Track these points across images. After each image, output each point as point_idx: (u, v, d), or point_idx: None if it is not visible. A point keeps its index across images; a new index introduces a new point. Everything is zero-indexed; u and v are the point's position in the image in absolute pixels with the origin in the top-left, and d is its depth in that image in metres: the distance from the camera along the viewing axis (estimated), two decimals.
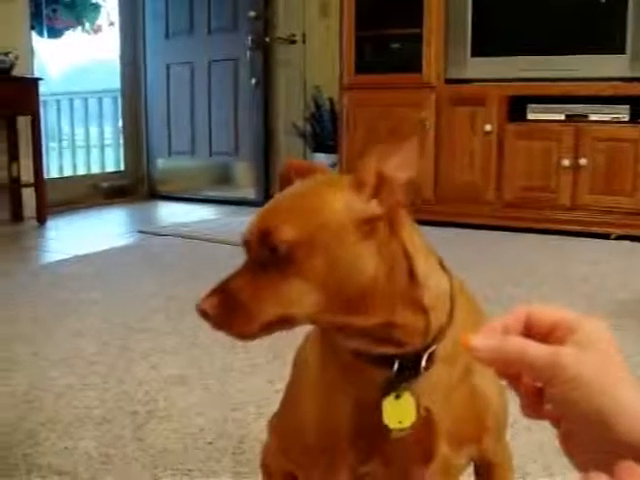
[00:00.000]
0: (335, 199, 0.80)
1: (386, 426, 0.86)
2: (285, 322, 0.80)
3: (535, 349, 0.59)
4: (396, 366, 0.85)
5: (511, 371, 0.63)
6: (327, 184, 0.84)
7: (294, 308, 0.79)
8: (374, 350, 0.85)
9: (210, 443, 1.63)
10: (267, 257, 0.79)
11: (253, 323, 0.79)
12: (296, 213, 0.80)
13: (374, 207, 0.80)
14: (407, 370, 0.85)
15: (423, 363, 0.85)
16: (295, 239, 0.78)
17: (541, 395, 0.61)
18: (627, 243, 3.93)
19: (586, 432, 0.57)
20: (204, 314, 0.79)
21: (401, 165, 0.80)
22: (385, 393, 0.86)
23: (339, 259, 0.79)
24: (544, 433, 1.60)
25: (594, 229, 4.08)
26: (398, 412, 0.86)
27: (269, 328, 0.80)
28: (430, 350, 0.85)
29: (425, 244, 0.87)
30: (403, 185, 0.80)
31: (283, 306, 0.79)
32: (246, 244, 0.82)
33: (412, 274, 0.83)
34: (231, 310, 0.79)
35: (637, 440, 0.54)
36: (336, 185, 0.82)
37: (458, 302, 0.88)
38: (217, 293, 0.80)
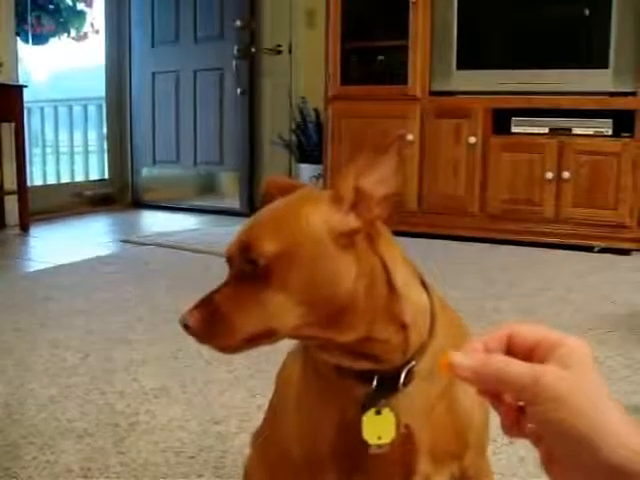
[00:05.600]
0: (313, 213, 0.81)
1: (366, 441, 0.86)
2: (267, 335, 0.81)
3: (517, 367, 0.59)
4: (375, 382, 0.85)
5: (492, 389, 0.63)
6: (306, 199, 0.85)
7: (275, 321, 0.80)
8: (354, 365, 0.85)
9: (192, 457, 1.62)
10: (248, 271, 0.80)
11: (235, 336, 0.80)
12: (275, 227, 0.81)
13: (352, 221, 0.81)
14: (386, 386, 0.85)
15: (402, 379, 0.85)
16: (274, 252, 0.79)
17: (522, 414, 0.61)
18: (610, 256, 3.95)
19: (568, 452, 0.57)
20: (187, 328, 0.80)
21: (379, 179, 0.81)
22: (365, 409, 0.86)
23: (318, 272, 0.80)
24: (525, 448, 1.60)
25: (577, 242, 4.10)
26: (378, 428, 0.86)
27: (252, 341, 0.81)
28: (409, 366, 0.85)
29: (405, 259, 0.88)
30: (381, 199, 0.81)
31: (265, 319, 0.79)
32: (228, 259, 0.83)
33: (391, 288, 0.84)
34: (214, 323, 0.80)
35: (620, 460, 0.54)
36: (315, 200, 0.83)
37: (440, 319, 0.88)
38: (200, 307, 0.81)
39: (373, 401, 0.86)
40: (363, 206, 0.81)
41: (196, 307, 0.81)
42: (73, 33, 7.72)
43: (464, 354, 0.62)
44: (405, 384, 0.85)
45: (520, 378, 0.58)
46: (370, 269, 0.82)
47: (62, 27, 7.62)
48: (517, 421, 0.62)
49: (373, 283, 0.83)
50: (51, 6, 7.50)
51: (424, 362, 0.86)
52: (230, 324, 0.80)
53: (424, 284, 0.89)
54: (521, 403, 0.61)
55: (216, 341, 0.81)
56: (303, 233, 0.80)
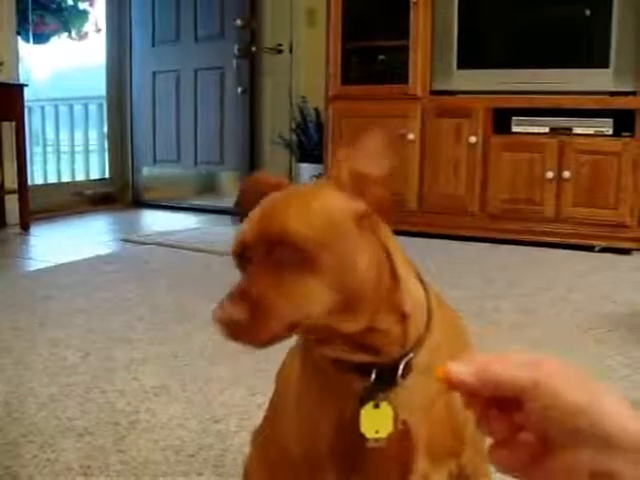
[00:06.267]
0: (333, 197, 0.82)
1: (363, 435, 0.86)
2: (298, 324, 0.80)
3: (516, 371, 0.59)
4: (373, 375, 0.86)
5: (489, 395, 0.62)
6: (316, 188, 0.85)
7: (310, 307, 0.78)
8: (352, 358, 0.86)
9: (192, 455, 1.63)
10: (282, 259, 0.78)
11: (278, 325, 0.78)
12: (303, 213, 0.80)
13: (358, 203, 0.82)
14: (385, 379, 0.86)
15: (400, 372, 0.86)
16: (308, 238, 0.78)
17: (516, 428, 0.61)
18: (611, 255, 3.95)
19: (569, 430, 0.56)
20: (230, 321, 0.76)
21: (371, 160, 0.82)
22: (363, 402, 0.86)
23: (346, 255, 0.80)
24: None
25: (578, 241, 4.10)
26: (375, 421, 0.86)
27: (290, 330, 0.80)
28: (407, 359, 0.86)
29: (403, 254, 0.88)
30: (378, 179, 0.82)
31: (302, 305, 0.78)
32: (247, 248, 0.81)
33: (394, 277, 0.85)
34: (257, 314, 0.77)
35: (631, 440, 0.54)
36: (325, 188, 0.84)
37: (436, 313, 0.89)
38: (237, 299, 0.77)
39: (371, 394, 0.86)
40: (363, 187, 0.82)
41: (233, 300, 0.77)
42: (75, 32, 7.73)
43: (461, 362, 0.62)
44: (403, 377, 0.86)
45: (520, 376, 0.58)
46: (377, 255, 0.83)
47: (65, 26, 7.63)
48: (511, 434, 0.61)
49: (380, 270, 0.83)
50: (53, 5, 7.50)
51: (421, 356, 0.86)
52: (275, 313, 0.77)
53: (420, 279, 0.90)
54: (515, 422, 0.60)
55: (258, 333, 0.77)
56: (331, 216, 0.80)
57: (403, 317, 0.85)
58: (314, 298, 0.78)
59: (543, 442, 0.59)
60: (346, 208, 0.81)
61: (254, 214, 0.83)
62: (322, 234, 0.79)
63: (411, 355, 0.86)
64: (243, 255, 0.81)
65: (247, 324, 0.77)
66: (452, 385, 0.61)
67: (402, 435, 0.88)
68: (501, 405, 0.61)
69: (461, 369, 0.61)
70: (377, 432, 0.86)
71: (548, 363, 0.59)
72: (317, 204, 0.81)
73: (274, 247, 0.78)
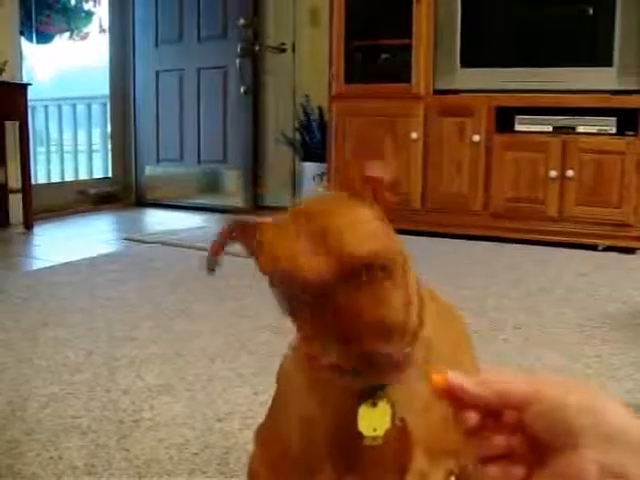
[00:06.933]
0: (363, 208, 0.82)
1: (361, 433, 0.86)
2: None
3: (517, 383, 0.59)
4: None
5: (484, 407, 0.61)
6: (343, 200, 0.84)
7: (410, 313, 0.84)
8: None
9: (196, 454, 1.63)
10: (370, 282, 0.78)
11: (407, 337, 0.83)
12: (365, 231, 0.80)
13: (374, 207, 0.84)
14: None
15: None
16: (380, 253, 0.79)
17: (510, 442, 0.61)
18: (614, 254, 3.95)
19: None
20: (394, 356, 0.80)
21: (382, 167, 0.84)
22: (361, 400, 0.86)
23: (395, 256, 0.82)
24: None
25: (581, 240, 4.09)
26: (373, 419, 0.86)
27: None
28: (405, 352, 0.86)
29: None
30: (390, 183, 0.84)
31: (408, 314, 0.83)
32: (330, 284, 0.77)
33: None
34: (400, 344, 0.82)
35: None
36: (344, 198, 0.84)
37: (428, 305, 0.89)
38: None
39: (369, 392, 0.86)
40: (379, 194, 0.83)
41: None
42: (77, 32, 7.74)
43: (459, 373, 0.62)
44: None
45: (521, 391, 0.58)
46: None
47: (71, 26, 7.64)
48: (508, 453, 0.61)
49: None
50: (59, 5, 7.51)
51: (417, 350, 0.86)
52: (408, 333, 0.83)
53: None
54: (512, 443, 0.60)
55: (407, 359, 0.83)
56: (378, 228, 0.82)
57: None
58: (401, 306, 0.81)
59: (541, 450, 0.58)
60: (375, 215, 0.83)
61: (302, 250, 0.78)
62: (387, 247, 0.80)
63: (407, 349, 0.86)
64: (319, 294, 0.78)
65: (396, 357, 0.81)
66: (449, 392, 0.61)
67: (400, 433, 0.87)
68: (495, 418, 0.61)
69: (462, 377, 0.61)
70: (375, 430, 0.86)
71: (546, 378, 0.59)
72: (364, 217, 0.82)
73: (359, 274, 0.77)
